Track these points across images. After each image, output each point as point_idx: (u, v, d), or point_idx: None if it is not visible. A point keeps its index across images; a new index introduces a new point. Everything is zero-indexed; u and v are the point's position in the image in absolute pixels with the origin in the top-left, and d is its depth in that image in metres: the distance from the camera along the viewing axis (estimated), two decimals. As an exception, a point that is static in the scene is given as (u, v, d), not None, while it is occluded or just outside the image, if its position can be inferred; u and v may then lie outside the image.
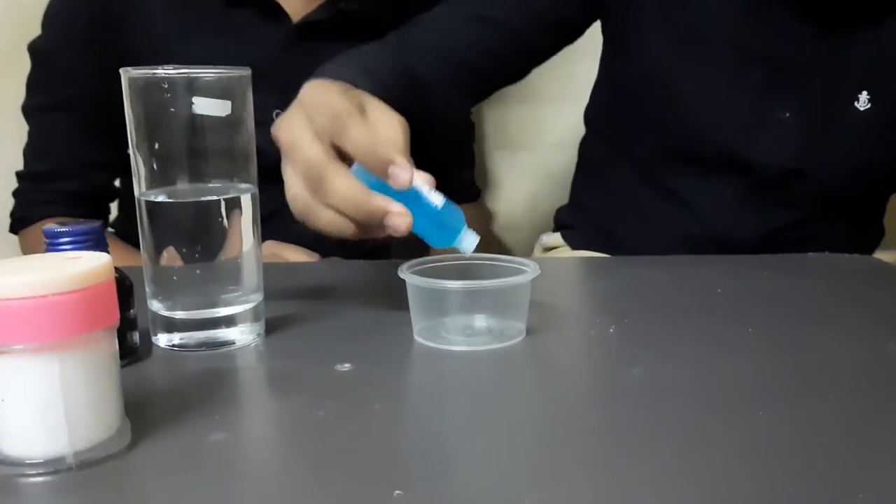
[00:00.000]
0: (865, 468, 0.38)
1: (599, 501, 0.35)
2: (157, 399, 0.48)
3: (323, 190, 0.52)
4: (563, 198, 1.11)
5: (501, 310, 0.56)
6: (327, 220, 0.53)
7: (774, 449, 0.40)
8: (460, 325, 0.55)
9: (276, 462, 0.40)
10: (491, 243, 1.26)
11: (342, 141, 0.53)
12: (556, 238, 1.08)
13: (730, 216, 0.90)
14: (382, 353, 0.54)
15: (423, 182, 0.54)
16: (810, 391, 0.47)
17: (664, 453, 0.39)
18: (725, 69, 0.87)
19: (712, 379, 0.49)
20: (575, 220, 1.07)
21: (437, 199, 0.54)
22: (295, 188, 0.54)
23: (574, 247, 1.05)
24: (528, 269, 0.56)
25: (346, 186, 0.52)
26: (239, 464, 0.40)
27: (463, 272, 0.56)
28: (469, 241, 0.55)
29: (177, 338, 0.55)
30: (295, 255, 0.91)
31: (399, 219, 0.52)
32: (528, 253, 1.16)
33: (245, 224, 0.55)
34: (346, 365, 0.51)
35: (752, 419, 0.43)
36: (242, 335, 0.56)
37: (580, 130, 1.09)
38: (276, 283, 0.67)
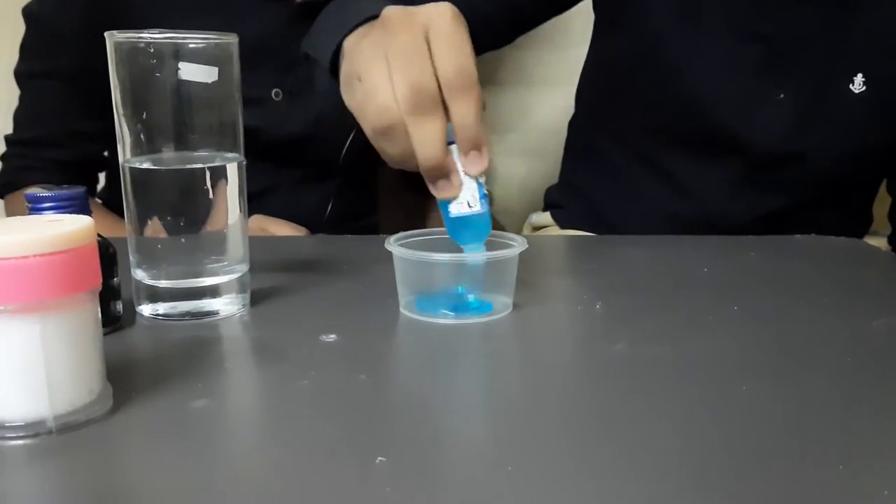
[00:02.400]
0: (848, 440, 0.38)
1: (582, 471, 0.35)
2: (139, 366, 0.47)
3: (422, 118, 0.50)
4: (552, 178, 1.11)
5: (488, 283, 0.56)
6: (402, 146, 0.52)
7: (758, 422, 0.40)
8: (447, 297, 0.55)
9: (258, 429, 0.40)
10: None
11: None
12: (545, 217, 1.08)
13: (721, 199, 0.90)
14: (368, 325, 0.53)
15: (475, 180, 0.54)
16: (795, 366, 0.47)
17: (647, 426, 0.39)
18: (722, 47, 0.87)
19: (697, 354, 0.49)
20: (564, 200, 1.07)
21: (473, 202, 0.54)
22: (390, 99, 0.51)
23: (563, 226, 1.05)
24: (516, 244, 0.56)
25: (441, 129, 0.51)
26: (220, 430, 0.39)
27: (451, 245, 0.56)
28: (476, 254, 0.54)
29: (161, 307, 0.55)
30: (282, 229, 0.91)
31: (447, 190, 0.53)
32: (517, 232, 1.16)
33: (231, 193, 0.55)
34: (332, 336, 0.51)
35: (736, 393, 0.43)
36: (227, 305, 0.55)
37: (569, 112, 1.08)
38: (263, 256, 0.66)
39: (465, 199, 0.54)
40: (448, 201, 0.53)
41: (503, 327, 0.54)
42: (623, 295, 0.60)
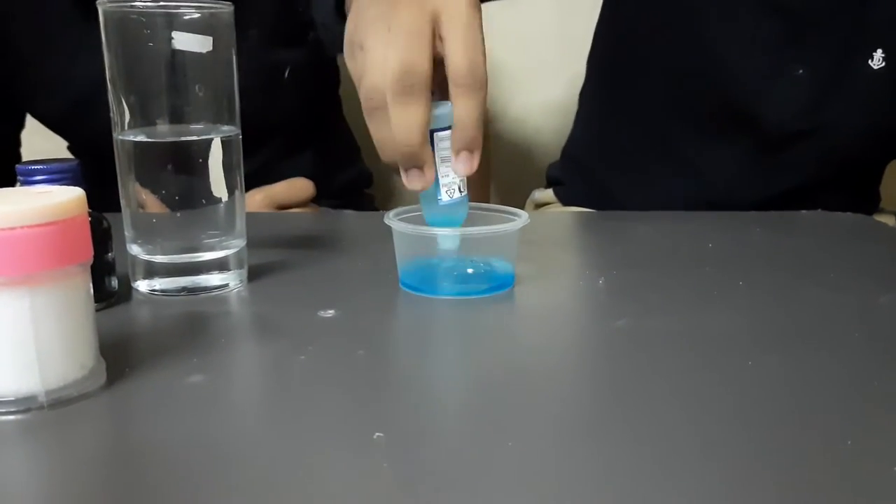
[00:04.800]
0: (855, 416, 0.38)
1: (587, 447, 0.35)
2: (134, 342, 0.46)
3: (406, 100, 0.48)
4: (555, 154, 1.10)
5: (489, 258, 0.55)
6: (386, 131, 0.50)
7: (764, 397, 0.39)
8: (447, 273, 0.54)
9: (255, 404, 0.40)
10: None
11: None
12: (548, 194, 1.06)
13: (731, 178, 0.89)
14: (367, 300, 0.53)
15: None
16: (801, 342, 0.46)
17: (652, 401, 0.39)
18: (746, 19, 0.85)
19: (701, 330, 0.48)
20: (567, 176, 1.05)
21: (462, 186, 0.53)
22: (380, 79, 0.49)
23: (566, 203, 1.04)
24: (518, 218, 0.55)
25: (423, 115, 0.49)
26: (216, 405, 0.39)
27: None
28: (448, 242, 0.53)
29: (157, 283, 0.54)
30: (282, 188, 0.89)
31: (417, 181, 0.51)
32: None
33: (227, 167, 0.54)
34: (330, 311, 0.50)
35: (742, 368, 0.42)
36: (224, 281, 0.55)
37: (575, 83, 1.07)
38: (261, 232, 0.66)
39: (454, 184, 0.53)
40: (437, 187, 0.52)
41: (504, 303, 0.53)
42: (625, 270, 0.59)
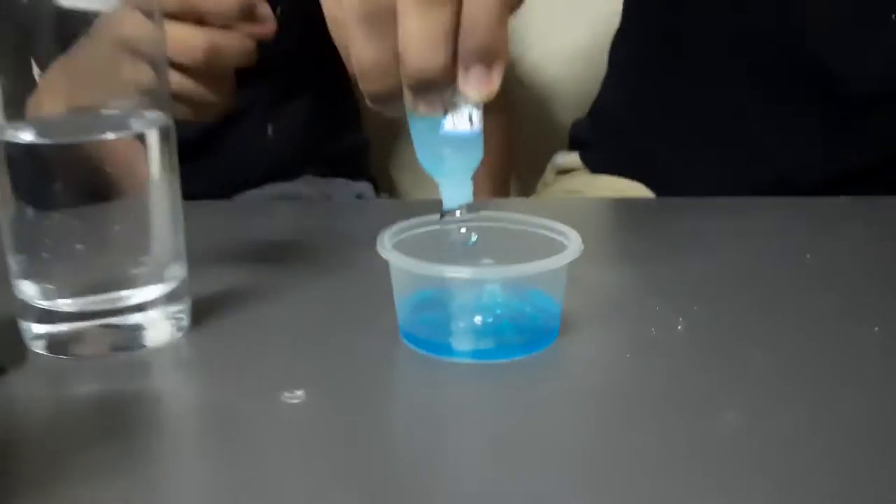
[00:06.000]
0: None
1: None
2: (23, 440, 0.31)
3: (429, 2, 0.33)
4: (578, 110, 0.93)
5: (525, 291, 0.39)
6: (386, 43, 0.34)
7: None
8: (467, 324, 0.38)
9: None
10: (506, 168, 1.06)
11: None
12: (572, 159, 0.90)
13: (795, 149, 0.72)
14: (349, 366, 0.37)
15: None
16: None
17: None
18: None
19: (862, 425, 0.32)
20: (596, 138, 0.89)
21: (475, 118, 0.36)
22: None
23: (594, 170, 0.87)
24: (567, 241, 0.39)
25: (452, 20, 0.33)
26: None
27: (470, 247, 0.39)
28: (455, 195, 0.38)
29: (59, 336, 0.38)
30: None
31: (435, 107, 0.35)
32: (537, 176, 0.98)
33: (154, 168, 0.38)
34: (298, 393, 0.34)
35: None
36: (154, 330, 0.39)
37: (607, 26, 0.89)
38: (211, 239, 0.50)
39: (465, 113, 0.36)
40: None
41: (547, 367, 0.37)
42: (711, 304, 0.43)
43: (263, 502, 0.27)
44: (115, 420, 0.33)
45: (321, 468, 0.29)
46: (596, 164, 0.87)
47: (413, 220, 0.41)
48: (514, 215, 0.42)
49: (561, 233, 0.40)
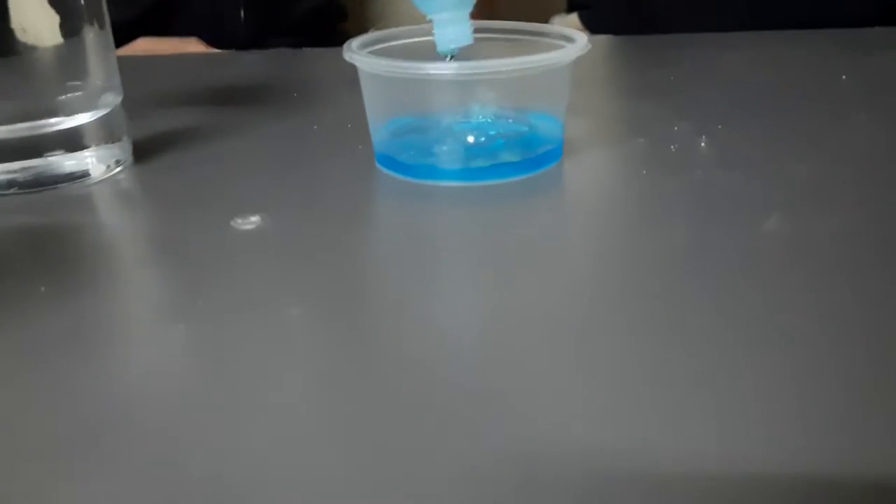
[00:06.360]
0: None
1: None
2: None
3: None
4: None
5: (525, 110, 0.34)
6: None
7: None
8: (451, 140, 0.32)
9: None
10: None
11: None
12: (571, 20, 0.83)
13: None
14: (317, 196, 0.31)
15: None
16: None
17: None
18: None
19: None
20: (595, -4, 0.81)
21: None
22: None
23: (595, 32, 0.80)
24: (569, 42, 0.33)
25: None
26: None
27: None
28: (451, 35, 0.32)
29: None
30: (178, 45, 0.65)
31: None
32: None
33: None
34: (253, 218, 0.29)
35: None
36: (87, 163, 0.33)
37: None
38: (162, 82, 0.44)
39: None
40: None
41: (547, 188, 0.32)
42: (739, 121, 0.37)
43: (209, 324, 0.22)
44: (50, 251, 0.27)
45: (278, 291, 0.24)
46: (596, 26, 0.80)
47: (386, 31, 0.35)
48: (510, 23, 0.36)
49: (566, 37, 0.33)
